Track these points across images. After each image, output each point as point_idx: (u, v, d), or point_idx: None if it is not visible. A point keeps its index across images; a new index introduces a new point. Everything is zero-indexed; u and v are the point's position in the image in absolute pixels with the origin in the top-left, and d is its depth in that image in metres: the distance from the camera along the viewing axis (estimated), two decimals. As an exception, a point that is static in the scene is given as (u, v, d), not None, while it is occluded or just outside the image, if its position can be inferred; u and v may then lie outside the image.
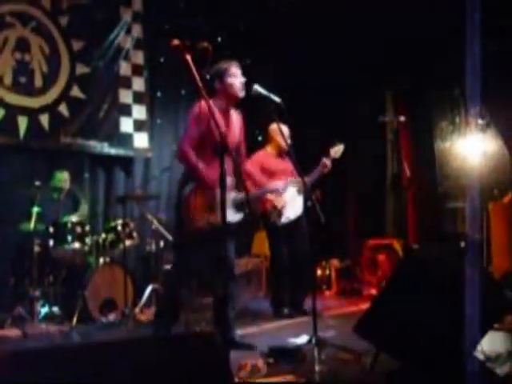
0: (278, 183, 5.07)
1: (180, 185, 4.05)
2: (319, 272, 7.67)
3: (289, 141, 5.80)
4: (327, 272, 7.66)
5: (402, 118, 6.16)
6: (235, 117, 4.28)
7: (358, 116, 8.04)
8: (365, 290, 7.13)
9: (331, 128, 7.74)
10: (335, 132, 7.78)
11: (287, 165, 5.73)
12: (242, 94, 4.12)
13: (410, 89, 7.74)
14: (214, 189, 3.81)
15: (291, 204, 5.57)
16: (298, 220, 5.65)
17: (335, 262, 7.69)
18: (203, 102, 3.91)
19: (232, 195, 4.07)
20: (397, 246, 7.30)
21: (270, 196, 5.26)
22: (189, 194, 3.91)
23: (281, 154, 5.83)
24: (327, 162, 5.55)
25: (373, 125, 7.00)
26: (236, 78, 4.11)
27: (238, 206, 4.11)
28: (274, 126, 5.81)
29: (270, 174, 5.44)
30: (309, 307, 5.49)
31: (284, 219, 5.58)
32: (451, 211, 7.48)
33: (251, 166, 4.86)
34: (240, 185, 4.21)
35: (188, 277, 4.16)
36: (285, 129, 5.82)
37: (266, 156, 5.76)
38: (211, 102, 4.04)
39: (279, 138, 5.77)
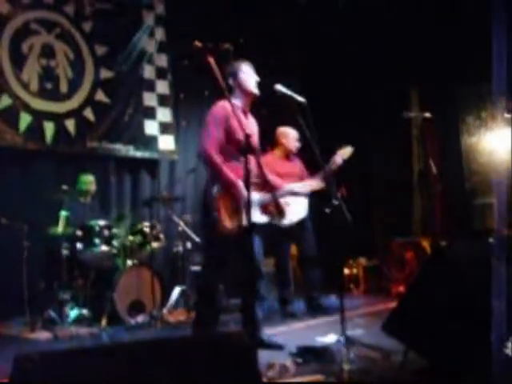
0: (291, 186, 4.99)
1: (206, 187, 4.05)
2: (347, 271, 7.64)
3: (297, 144, 5.83)
4: (355, 271, 7.62)
5: (428, 114, 6.08)
6: (253, 120, 4.30)
7: (383, 113, 7.98)
8: (393, 289, 7.06)
9: (356, 126, 7.71)
10: (360, 130, 7.78)
11: (293, 167, 5.77)
12: (256, 91, 4.14)
13: (435, 84, 7.66)
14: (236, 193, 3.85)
15: (294, 206, 5.55)
16: (302, 222, 5.67)
17: (363, 261, 7.65)
18: (225, 103, 3.94)
19: (257, 196, 4.08)
20: (424, 243, 7.23)
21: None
22: (216, 196, 3.91)
23: (288, 156, 5.88)
24: (337, 159, 5.51)
25: (398, 121, 6.94)
26: (250, 77, 4.14)
27: (264, 208, 4.11)
28: (280, 130, 5.88)
29: (276, 176, 5.42)
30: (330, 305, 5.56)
31: (286, 221, 5.57)
32: (480, 207, 7.38)
33: None
34: (265, 186, 4.23)
35: (218, 278, 4.15)
36: (293, 132, 5.83)
37: (272, 159, 5.74)
38: (230, 102, 4.07)
39: (285, 141, 5.84)
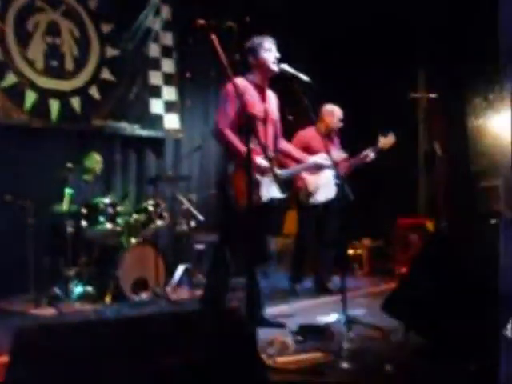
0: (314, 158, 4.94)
1: (222, 164, 4.04)
2: (351, 251, 7.66)
3: (340, 123, 5.80)
4: (359, 251, 7.64)
5: (433, 95, 6.05)
6: (271, 95, 4.28)
7: (389, 94, 7.93)
8: (396, 270, 7.08)
9: (362, 107, 7.67)
10: (366, 111, 7.75)
11: (333, 146, 5.71)
12: (275, 67, 4.09)
13: (442, 65, 7.60)
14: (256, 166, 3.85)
15: (325, 187, 5.55)
16: (329, 203, 5.65)
17: (367, 242, 7.66)
18: (238, 79, 3.93)
19: (277, 171, 4.06)
20: (429, 225, 7.23)
21: (304, 175, 5.27)
22: (232, 173, 3.89)
23: (329, 134, 5.81)
24: (371, 153, 5.51)
25: (404, 103, 6.92)
26: (270, 53, 4.10)
27: (282, 185, 4.10)
28: (326, 107, 5.82)
29: (312, 153, 5.41)
30: (335, 286, 5.58)
31: (312, 200, 5.58)
32: (485, 190, 7.36)
33: (295, 143, 4.88)
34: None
35: (233, 255, 4.12)
36: (337, 110, 5.80)
37: (313, 135, 5.58)
38: (245, 78, 4.07)
39: (329, 119, 5.78)
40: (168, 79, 7.47)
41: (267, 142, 4.04)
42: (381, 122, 8.08)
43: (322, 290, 5.75)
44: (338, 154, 5.38)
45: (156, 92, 7.35)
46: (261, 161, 3.90)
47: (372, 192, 8.39)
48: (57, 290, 5.32)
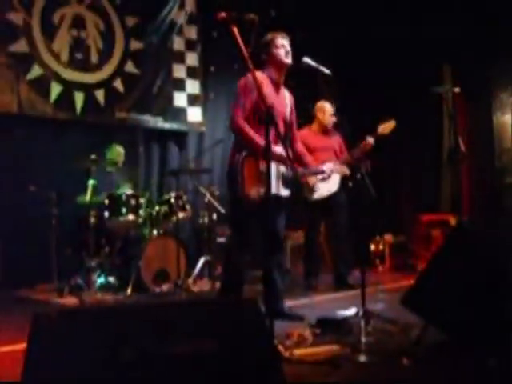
0: (325, 165, 4.96)
1: (231, 155, 4.07)
2: (373, 247, 7.64)
3: (333, 118, 5.81)
4: (381, 247, 7.61)
5: (457, 89, 5.98)
6: (286, 94, 4.30)
7: (413, 88, 7.86)
8: (418, 266, 7.03)
9: (386, 101, 7.61)
10: (390, 105, 7.69)
11: (330, 142, 5.79)
12: (288, 60, 4.11)
13: (469, 60, 7.51)
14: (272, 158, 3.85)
15: (325, 181, 5.55)
16: (333, 196, 5.69)
17: (389, 237, 7.62)
18: (249, 74, 3.94)
19: (282, 169, 4.09)
20: (452, 221, 7.16)
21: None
22: (240, 163, 3.91)
23: (324, 131, 5.87)
24: (370, 140, 5.49)
25: (429, 97, 6.83)
26: (281, 49, 4.11)
27: (287, 182, 4.12)
28: (318, 104, 5.87)
29: (311, 151, 5.40)
30: (355, 280, 5.56)
31: (316, 195, 5.60)
32: (510, 186, 7.27)
33: None
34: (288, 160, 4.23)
35: (242, 247, 4.16)
36: (328, 106, 5.81)
37: (308, 134, 5.80)
38: (262, 73, 4.08)
39: (321, 116, 5.83)
40: (191, 72, 7.50)
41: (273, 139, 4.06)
42: (405, 117, 8.07)
43: (341, 284, 5.74)
44: (342, 168, 5.42)
45: (179, 85, 7.39)
46: (278, 149, 3.96)
47: (395, 188, 8.35)
48: (79, 280, 5.39)
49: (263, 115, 3.71)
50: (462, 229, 3.63)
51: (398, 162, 8.43)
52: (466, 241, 3.40)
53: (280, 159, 4.01)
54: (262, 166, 3.88)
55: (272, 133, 3.97)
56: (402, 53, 7.65)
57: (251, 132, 3.95)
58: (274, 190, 3.97)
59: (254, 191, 3.86)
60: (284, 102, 4.25)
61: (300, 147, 4.53)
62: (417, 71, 7.63)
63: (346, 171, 5.47)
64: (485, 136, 7.51)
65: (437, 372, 2.88)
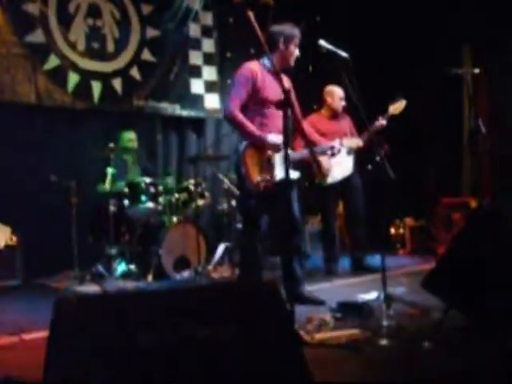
0: (332, 143, 4.94)
1: (236, 143, 4.12)
2: (393, 230, 7.60)
3: (342, 102, 5.75)
4: (401, 231, 7.56)
5: (477, 70, 5.90)
6: (285, 79, 4.26)
7: (434, 70, 7.75)
8: (439, 249, 6.97)
9: (406, 84, 7.52)
10: (410, 88, 7.59)
11: (340, 126, 5.73)
12: (292, 63, 4.23)
13: (489, 40, 7.38)
14: (265, 146, 3.97)
15: (338, 164, 5.51)
16: (347, 180, 5.66)
17: (410, 221, 7.57)
18: (251, 63, 4.11)
19: (291, 154, 4.08)
20: (473, 204, 7.08)
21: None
22: (243, 152, 3.98)
23: (334, 115, 5.83)
24: (382, 121, 5.44)
25: (450, 79, 6.74)
26: (296, 50, 4.19)
27: (293, 165, 4.11)
28: (326, 88, 5.81)
29: (321, 136, 5.38)
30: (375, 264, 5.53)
31: (330, 179, 5.55)
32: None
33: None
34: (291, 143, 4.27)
35: (254, 233, 4.18)
36: (338, 90, 5.76)
37: (318, 118, 5.78)
38: (258, 62, 4.13)
39: (330, 100, 5.78)
40: (208, 59, 7.48)
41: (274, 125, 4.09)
42: (426, 100, 7.98)
43: (358, 267, 5.74)
44: (352, 140, 5.36)
45: (196, 72, 7.38)
46: (273, 138, 3.98)
47: (416, 171, 8.27)
48: (100, 268, 5.43)
49: (258, 106, 4.01)
50: (482, 211, 3.60)
51: (419, 146, 8.34)
52: (487, 223, 3.37)
53: (277, 148, 4.02)
54: (264, 153, 3.99)
55: (277, 120, 3.99)
56: (422, 35, 7.54)
57: (244, 120, 4.00)
58: (281, 175, 3.97)
59: (258, 177, 3.89)
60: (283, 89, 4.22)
61: (306, 126, 4.58)
62: (437, 53, 7.52)
63: (359, 143, 5.38)
64: (505, 118, 7.39)
65: (458, 356, 2.86)
